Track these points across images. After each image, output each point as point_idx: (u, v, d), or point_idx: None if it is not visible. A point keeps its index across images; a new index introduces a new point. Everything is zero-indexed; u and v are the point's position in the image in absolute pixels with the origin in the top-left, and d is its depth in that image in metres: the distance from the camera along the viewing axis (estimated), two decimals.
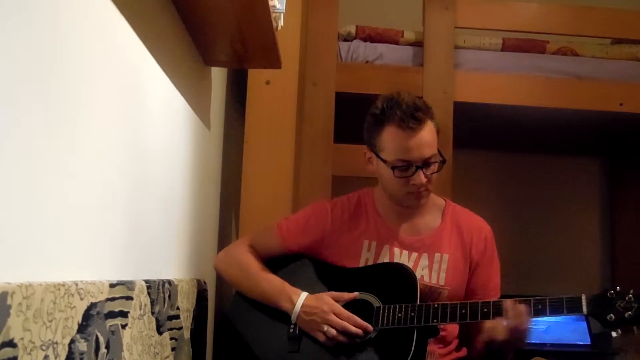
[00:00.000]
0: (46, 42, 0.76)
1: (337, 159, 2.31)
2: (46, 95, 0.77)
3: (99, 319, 0.86)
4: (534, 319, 1.50)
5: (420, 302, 1.54)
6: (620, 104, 2.45)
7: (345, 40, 2.50)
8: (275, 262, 1.74)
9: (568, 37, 2.64)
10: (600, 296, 1.44)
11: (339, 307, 1.59)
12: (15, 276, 0.67)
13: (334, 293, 1.63)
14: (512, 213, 3.26)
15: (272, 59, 1.72)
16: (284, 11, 1.61)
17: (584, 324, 2.82)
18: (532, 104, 2.47)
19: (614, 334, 1.42)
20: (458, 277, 1.68)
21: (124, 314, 0.97)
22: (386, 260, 1.68)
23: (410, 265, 1.66)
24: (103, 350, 0.88)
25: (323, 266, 1.72)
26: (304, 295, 1.62)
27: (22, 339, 0.64)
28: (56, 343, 0.72)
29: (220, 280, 2.00)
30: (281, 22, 1.69)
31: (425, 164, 1.60)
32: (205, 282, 1.73)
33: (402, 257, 1.68)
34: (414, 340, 1.50)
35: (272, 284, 1.68)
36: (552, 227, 3.31)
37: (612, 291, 1.43)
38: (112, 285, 0.92)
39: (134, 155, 1.15)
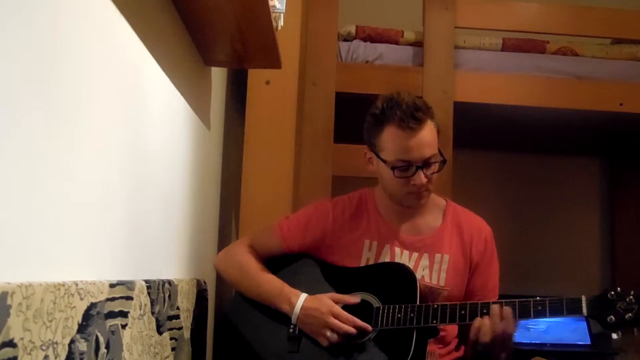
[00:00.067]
0: (46, 42, 0.76)
1: (337, 159, 2.31)
2: (46, 95, 0.77)
3: (99, 319, 0.86)
4: (534, 319, 1.49)
5: (420, 302, 1.54)
6: (620, 104, 2.45)
7: (345, 40, 2.50)
8: (276, 262, 1.74)
9: (568, 37, 2.64)
10: (600, 297, 1.44)
11: (338, 309, 1.58)
12: (15, 276, 0.67)
13: (334, 295, 1.62)
14: (512, 213, 3.26)
15: (272, 59, 1.72)
16: (284, 11, 1.61)
17: (584, 324, 2.82)
18: (532, 104, 2.48)
19: (614, 335, 1.41)
20: (458, 278, 1.68)
21: (124, 314, 0.97)
22: (387, 260, 1.68)
23: (411, 265, 1.66)
24: (103, 350, 0.88)
25: (324, 266, 1.72)
26: (303, 296, 1.62)
27: (22, 339, 0.64)
28: (56, 343, 0.72)
29: (220, 280, 2.00)
30: (281, 22, 1.69)
31: (426, 164, 1.60)
32: (205, 282, 1.73)
33: (402, 257, 1.68)
34: (414, 340, 1.50)
35: (271, 285, 1.68)
36: (552, 227, 3.31)
37: (613, 292, 1.43)
38: (112, 285, 0.92)
39: (134, 155, 1.15)
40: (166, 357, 1.27)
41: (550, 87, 2.46)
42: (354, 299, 1.61)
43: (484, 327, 1.48)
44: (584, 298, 1.44)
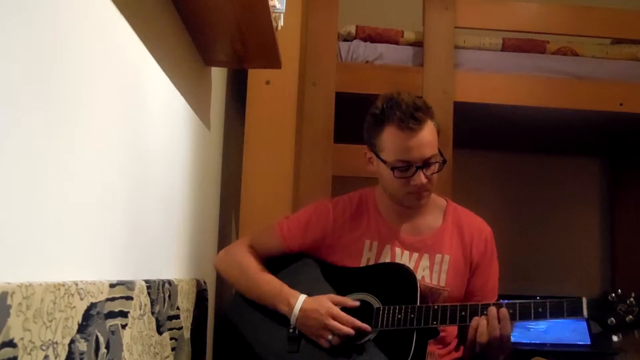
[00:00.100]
0: (46, 42, 0.76)
1: (337, 159, 2.31)
2: (46, 95, 0.77)
3: (99, 319, 0.86)
4: (535, 320, 1.49)
5: (420, 303, 1.54)
6: (620, 104, 2.46)
7: (345, 40, 2.50)
8: (277, 262, 1.74)
9: (568, 37, 2.64)
10: (601, 299, 1.43)
11: (337, 311, 1.58)
12: (15, 276, 0.67)
13: (333, 296, 1.62)
14: (512, 213, 3.26)
15: (272, 59, 1.72)
16: (284, 11, 1.61)
17: (584, 324, 2.82)
18: (532, 104, 2.48)
19: (614, 337, 1.41)
20: (458, 278, 1.68)
21: (124, 314, 0.97)
22: (387, 260, 1.67)
23: (411, 265, 1.66)
24: (103, 350, 0.88)
25: (324, 266, 1.72)
26: (302, 298, 1.62)
27: (22, 339, 0.64)
28: (56, 343, 0.72)
29: (220, 280, 2.00)
30: (281, 22, 1.69)
31: (426, 164, 1.60)
32: (205, 282, 1.73)
33: (403, 257, 1.68)
34: (414, 341, 1.50)
35: (270, 285, 1.67)
36: (552, 227, 3.31)
37: (613, 294, 1.42)
38: (112, 285, 0.92)
39: (134, 155, 1.15)
40: (166, 357, 1.27)
41: (550, 87, 2.47)
42: (353, 302, 1.61)
43: (481, 327, 1.47)
44: (584, 300, 1.44)
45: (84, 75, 0.89)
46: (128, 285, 1.00)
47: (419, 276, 1.61)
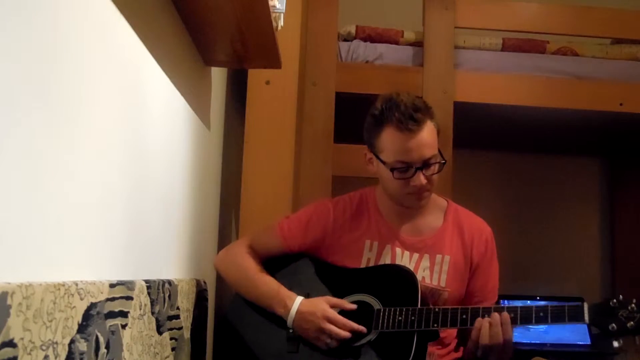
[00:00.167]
0: (46, 42, 0.76)
1: (337, 159, 2.31)
2: (46, 95, 0.77)
3: (99, 319, 0.86)
4: (535, 324, 1.49)
5: (421, 304, 1.54)
6: (620, 104, 2.45)
7: (345, 40, 2.50)
8: (277, 262, 1.74)
9: (568, 37, 2.64)
10: (602, 305, 1.44)
11: (332, 314, 1.58)
12: (15, 276, 0.67)
13: (330, 299, 1.62)
14: (512, 213, 3.26)
15: (272, 59, 1.72)
16: (284, 11, 1.61)
17: (584, 324, 2.82)
18: (532, 104, 2.48)
19: (615, 343, 1.41)
20: (459, 279, 1.68)
21: (124, 314, 0.97)
22: (388, 260, 1.67)
23: (411, 266, 1.66)
24: (103, 350, 0.88)
25: (324, 266, 1.72)
26: (298, 300, 1.61)
27: (22, 339, 0.64)
28: (56, 343, 0.72)
29: (220, 280, 2.00)
30: (281, 22, 1.69)
31: (425, 165, 1.59)
32: (205, 282, 1.73)
33: (403, 257, 1.68)
34: (414, 343, 1.50)
35: (268, 287, 1.67)
36: (552, 227, 3.31)
37: (615, 300, 1.43)
38: (112, 285, 0.92)
39: (134, 155, 1.15)
40: (166, 357, 1.27)
41: (550, 87, 2.46)
42: (350, 305, 1.60)
43: (484, 329, 1.48)
44: (585, 305, 1.44)
45: (84, 75, 0.89)
46: (128, 285, 1.00)
47: (419, 277, 1.61)
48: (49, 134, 0.78)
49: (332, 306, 1.60)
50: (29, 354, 0.66)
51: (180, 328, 1.39)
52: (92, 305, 0.83)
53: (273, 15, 1.50)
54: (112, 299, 0.92)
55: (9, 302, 0.61)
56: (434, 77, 2.40)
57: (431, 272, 1.67)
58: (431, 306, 1.56)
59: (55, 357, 0.72)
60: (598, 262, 3.36)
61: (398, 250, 1.68)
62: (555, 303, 1.49)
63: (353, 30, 2.50)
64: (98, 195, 0.96)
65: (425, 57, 2.42)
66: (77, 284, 0.78)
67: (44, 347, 0.69)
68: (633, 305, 1.41)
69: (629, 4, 2.79)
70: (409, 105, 1.58)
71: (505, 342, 1.47)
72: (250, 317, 1.70)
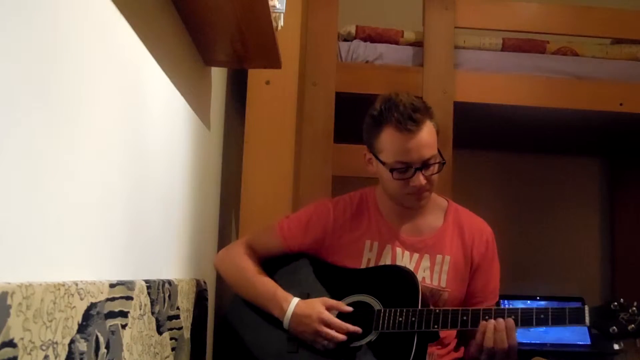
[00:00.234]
0: (46, 42, 0.76)
1: (337, 159, 2.31)
2: (46, 95, 0.77)
3: (99, 319, 0.86)
4: (536, 327, 1.49)
5: (421, 305, 1.54)
6: (620, 104, 2.45)
7: (345, 40, 2.50)
8: (276, 262, 1.74)
9: (568, 37, 2.64)
10: (603, 307, 1.44)
11: (328, 316, 1.57)
12: (15, 276, 0.67)
13: (327, 300, 1.61)
14: (512, 213, 3.26)
15: (272, 59, 1.72)
16: (284, 11, 1.61)
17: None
18: (532, 104, 2.48)
19: (616, 346, 1.41)
20: (459, 279, 1.68)
21: (124, 314, 0.97)
22: (388, 260, 1.67)
23: (411, 266, 1.66)
24: (103, 350, 0.88)
25: (324, 266, 1.71)
26: (294, 302, 1.61)
27: (22, 339, 0.64)
28: (56, 343, 0.72)
29: (220, 280, 2.00)
30: (281, 22, 1.69)
31: (425, 165, 1.59)
32: (205, 282, 1.73)
33: (404, 257, 1.68)
34: (414, 344, 1.50)
35: (265, 288, 1.67)
36: (552, 227, 3.31)
37: (616, 303, 1.43)
38: (112, 285, 0.92)
39: (134, 155, 1.15)
40: (166, 357, 1.27)
41: (550, 87, 2.46)
42: (347, 307, 1.60)
43: (489, 332, 1.48)
44: (586, 308, 1.44)
45: (84, 75, 0.89)
46: (128, 285, 1.00)
47: (419, 277, 1.61)
48: (49, 134, 0.78)
49: (329, 308, 1.59)
50: (29, 354, 0.66)
51: (180, 328, 1.39)
52: (92, 305, 0.83)
53: (273, 15, 1.50)
54: (112, 299, 0.92)
55: (9, 302, 0.61)
56: (434, 77, 2.40)
57: (431, 273, 1.67)
58: (432, 307, 1.56)
59: (55, 357, 0.72)
60: (598, 262, 3.36)
61: (398, 250, 1.68)
62: (555, 303, 1.49)
63: (353, 30, 2.50)
64: (98, 195, 0.96)
65: (425, 57, 2.42)
66: (77, 284, 0.78)
67: (44, 347, 0.69)
68: (634, 308, 1.41)
69: (629, 4, 2.79)
70: (407, 105, 1.57)
71: (510, 347, 1.47)
72: (250, 317, 1.69)
